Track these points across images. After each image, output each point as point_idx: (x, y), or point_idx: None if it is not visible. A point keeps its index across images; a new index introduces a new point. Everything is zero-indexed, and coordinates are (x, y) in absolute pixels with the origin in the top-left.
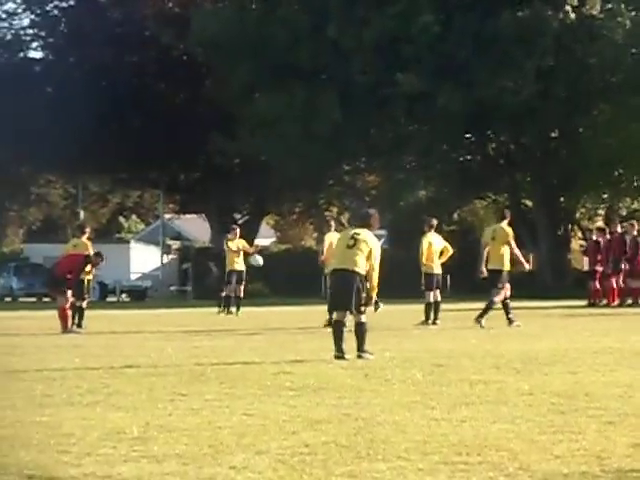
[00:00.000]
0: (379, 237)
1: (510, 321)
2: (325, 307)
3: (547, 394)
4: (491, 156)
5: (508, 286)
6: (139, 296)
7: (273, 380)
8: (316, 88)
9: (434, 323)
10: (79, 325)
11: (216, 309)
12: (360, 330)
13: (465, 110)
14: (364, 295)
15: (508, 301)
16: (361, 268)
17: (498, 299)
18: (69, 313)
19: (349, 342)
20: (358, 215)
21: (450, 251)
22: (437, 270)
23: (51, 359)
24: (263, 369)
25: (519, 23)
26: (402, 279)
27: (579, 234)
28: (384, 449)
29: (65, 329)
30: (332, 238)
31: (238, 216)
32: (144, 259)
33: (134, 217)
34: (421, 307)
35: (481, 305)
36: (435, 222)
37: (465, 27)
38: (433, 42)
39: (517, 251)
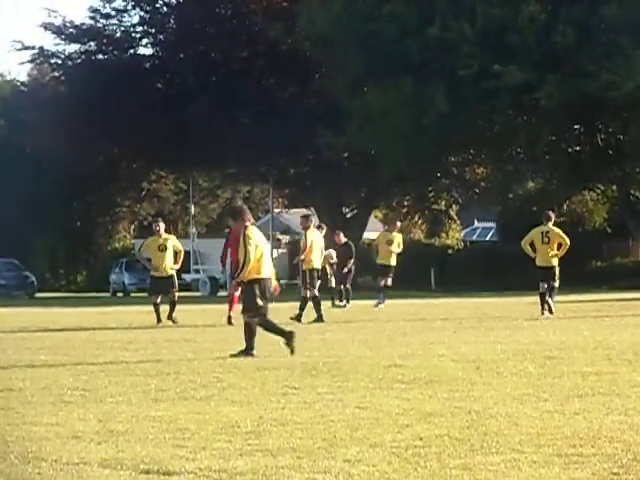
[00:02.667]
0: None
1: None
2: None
3: None
4: (600, 147)
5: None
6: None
7: (385, 373)
8: (423, 81)
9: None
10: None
11: (330, 302)
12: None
13: (572, 101)
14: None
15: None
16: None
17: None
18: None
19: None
20: (230, 211)
21: (567, 244)
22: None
23: (164, 353)
24: (374, 362)
25: (627, 12)
26: (512, 271)
27: None
28: (497, 442)
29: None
30: (313, 236)
31: (346, 210)
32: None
33: None
34: (529, 299)
35: (591, 297)
36: (552, 215)
37: (571, 16)
38: (539, 32)
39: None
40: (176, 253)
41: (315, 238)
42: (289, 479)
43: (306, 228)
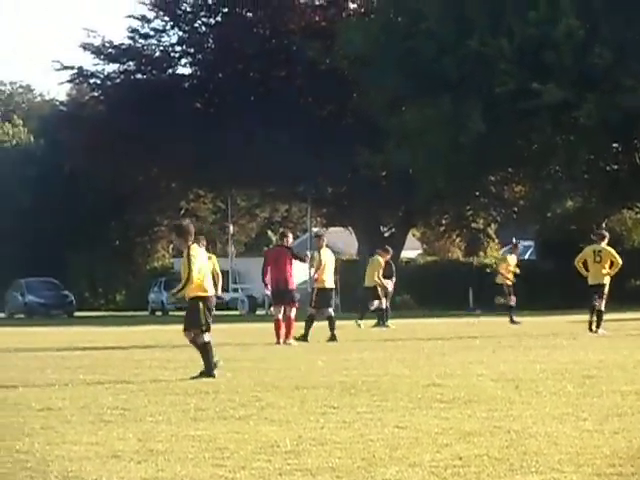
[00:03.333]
0: (527, 248)
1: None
2: None
3: None
4: (638, 165)
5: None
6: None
7: (424, 392)
8: (461, 99)
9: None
10: None
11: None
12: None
13: (610, 119)
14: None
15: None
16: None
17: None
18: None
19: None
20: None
21: (619, 263)
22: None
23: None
24: (413, 381)
25: None
26: (551, 290)
27: None
28: (537, 461)
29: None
30: (326, 255)
31: (384, 229)
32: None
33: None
34: (568, 318)
35: (631, 315)
36: (606, 234)
37: (608, 33)
38: (576, 49)
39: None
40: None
41: (328, 258)
42: None
43: (319, 247)
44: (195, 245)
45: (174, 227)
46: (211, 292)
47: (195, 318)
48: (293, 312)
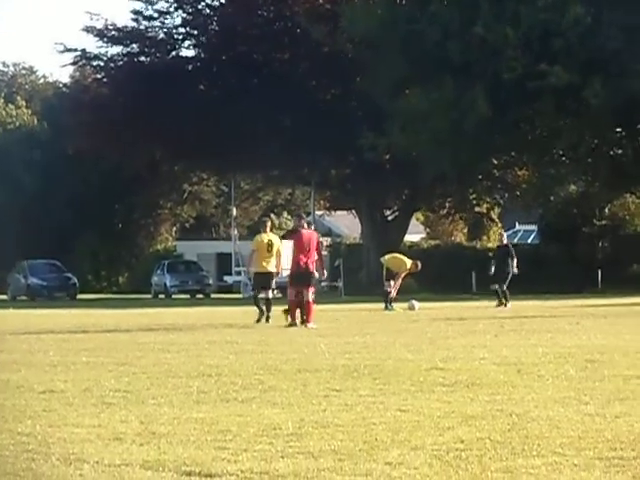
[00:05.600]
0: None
1: None
2: None
3: None
4: None
5: None
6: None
7: (426, 376)
8: (465, 83)
9: None
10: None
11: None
12: None
13: (615, 103)
14: None
15: None
16: None
17: None
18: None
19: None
20: None
21: None
22: None
23: (206, 355)
24: (416, 365)
25: None
26: (554, 274)
27: None
28: (539, 445)
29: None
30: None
31: (388, 212)
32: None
33: (285, 214)
34: (571, 302)
35: (633, 300)
36: None
37: (615, 18)
38: (583, 34)
39: None
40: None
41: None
42: None
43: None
44: None
45: None
46: None
47: None
48: (311, 295)
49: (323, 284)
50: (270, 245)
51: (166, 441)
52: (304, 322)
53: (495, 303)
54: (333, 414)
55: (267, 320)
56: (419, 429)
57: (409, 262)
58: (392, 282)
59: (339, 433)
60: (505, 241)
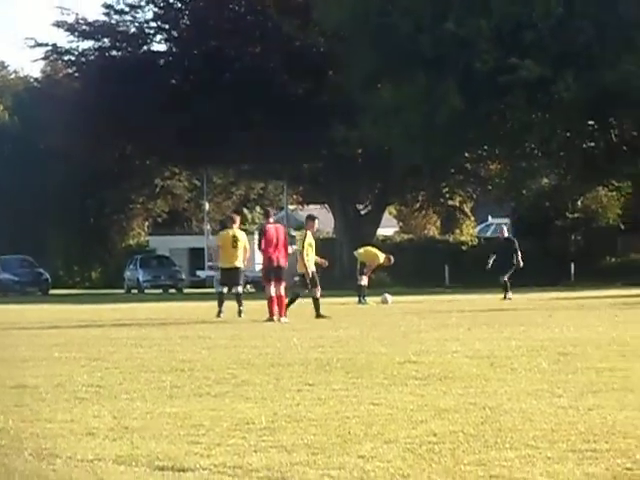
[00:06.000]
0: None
1: None
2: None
3: None
4: (614, 143)
5: None
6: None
7: (399, 369)
8: (437, 76)
9: None
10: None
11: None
12: None
13: (587, 96)
14: None
15: None
16: None
17: None
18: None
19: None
20: None
21: None
22: None
23: (178, 350)
24: (389, 358)
25: None
26: (526, 267)
27: None
28: (512, 437)
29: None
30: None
31: (361, 206)
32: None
33: (258, 208)
34: (544, 295)
35: (605, 293)
36: None
37: (587, 11)
38: (555, 27)
39: None
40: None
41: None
42: (304, 475)
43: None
44: None
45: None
46: None
47: None
48: (282, 289)
49: (295, 278)
50: (235, 240)
51: (139, 436)
52: (280, 316)
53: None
54: (306, 408)
55: (239, 314)
56: (392, 422)
57: (382, 256)
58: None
59: (312, 427)
60: (506, 234)
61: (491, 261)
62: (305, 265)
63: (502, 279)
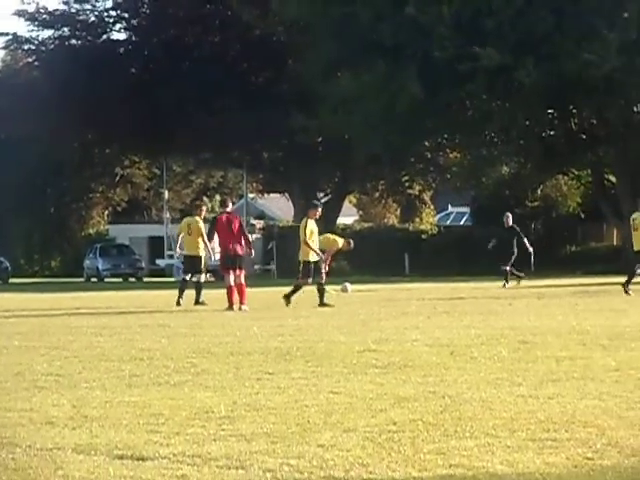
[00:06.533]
0: (462, 214)
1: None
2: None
3: (634, 370)
4: (573, 131)
5: None
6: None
7: (359, 358)
8: (397, 65)
9: None
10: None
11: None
12: None
13: (546, 85)
14: None
15: None
16: None
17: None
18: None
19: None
20: None
21: None
22: None
23: (138, 339)
24: (348, 347)
25: None
26: (486, 256)
27: None
28: (471, 426)
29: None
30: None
31: (321, 194)
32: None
33: (217, 197)
34: (509, 283)
35: (565, 281)
36: None
37: (545, 1)
38: (514, 16)
39: None
40: None
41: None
42: (263, 464)
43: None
44: None
45: None
46: None
47: None
48: (242, 277)
49: (256, 267)
50: (189, 227)
51: (98, 425)
52: (240, 304)
53: (514, 283)
54: (266, 397)
55: (199, 303)
56: (352, 411)
57: (341, 241)
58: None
59: (272, 416)
60: (510, 223)
61: (491, 244)
62: (308, 253)
63: (504, 268)
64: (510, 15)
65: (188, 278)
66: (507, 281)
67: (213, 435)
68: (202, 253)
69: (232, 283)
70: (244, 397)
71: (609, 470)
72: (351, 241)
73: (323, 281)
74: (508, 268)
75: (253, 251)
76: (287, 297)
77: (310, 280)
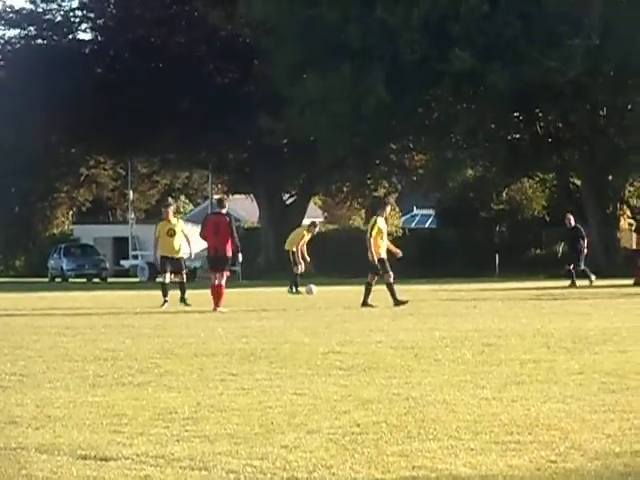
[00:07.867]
0: (427, 217)
1: None
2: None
3: (598, 373)
4: (539, 135)
5: None
6: (188, 276)
7: (323, 360)
8: (364, 67)
9: None
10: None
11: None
12: None
13: (513, 89)
14: None
15: None
16: None
17: None
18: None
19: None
20: None
21: None
22: None
23: (102, 339)
24: (312, 349)
25: (565, 2)
26: (451, 258)
27: (628, 212)
28: (435, 428)
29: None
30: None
31: (286, 196)
32: (193, 240)
33: (183, 198)
34: (468, 286)
35: (530, 285)
36: None
37: (512, 6)
38: (481, 21)
39: None
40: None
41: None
42: (226, 465)
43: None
44: None
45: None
46: None
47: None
48: (224, 279)
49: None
50: (172, 230)
51: (61, 425)
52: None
53: (568, 283)
54: (229, 398)
55: (183, 302)
56: (315, 413)
57: (303, 229)
58: (300, 266)
59: (235, 417)
60: (573, 223)
61: (560, 248)
62: (373, 252)
63: (579, 269)
64: (477, 19)
65: (167, 280)
66: (589, 276)
67: (176, 436)
68: (181, 254)
69: (217, 283)
70: (208, 398)
71: (572, 473)
72: (315, 222)
73: (373, 281)
74: (582, 267)
75: (240, 255)
76: (395, 300)
77: (392, 274)
